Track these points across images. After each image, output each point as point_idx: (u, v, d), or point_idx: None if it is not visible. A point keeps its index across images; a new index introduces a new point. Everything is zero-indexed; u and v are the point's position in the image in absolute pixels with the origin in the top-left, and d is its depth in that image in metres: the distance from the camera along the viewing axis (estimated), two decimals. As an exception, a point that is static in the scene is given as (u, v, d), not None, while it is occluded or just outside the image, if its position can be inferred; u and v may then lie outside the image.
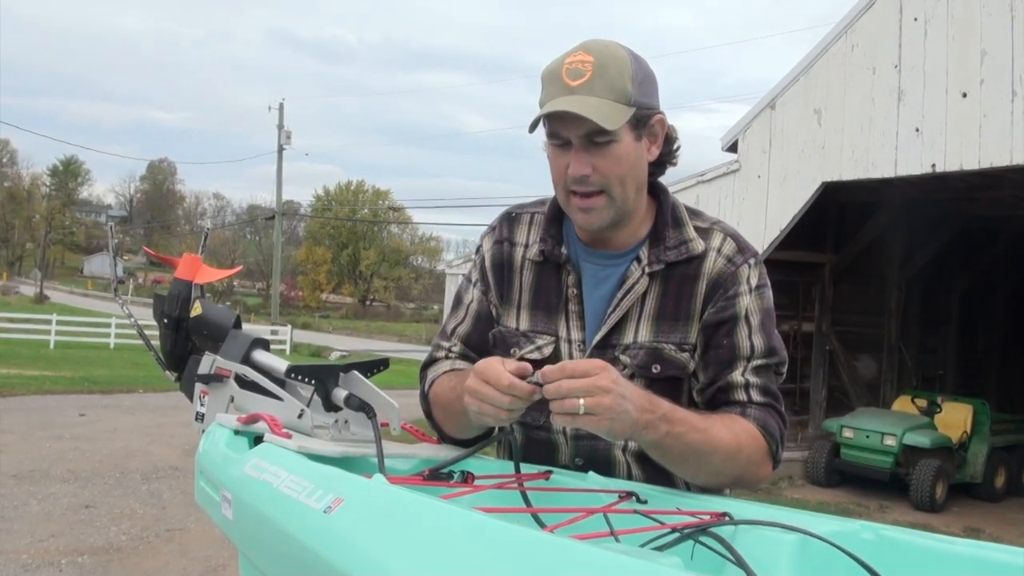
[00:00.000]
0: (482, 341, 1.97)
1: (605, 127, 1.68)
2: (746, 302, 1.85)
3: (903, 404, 12.56)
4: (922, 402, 12.16)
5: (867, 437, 11.47)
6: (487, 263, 2.01)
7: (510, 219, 2.02)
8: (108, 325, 31.01)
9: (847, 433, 11.74)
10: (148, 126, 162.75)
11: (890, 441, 11.20)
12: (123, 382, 18.93)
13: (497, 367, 1.56)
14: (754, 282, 1.87)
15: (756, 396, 1.82)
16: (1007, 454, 12.28)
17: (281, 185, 41.55)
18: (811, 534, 1.36)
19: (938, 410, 11.91)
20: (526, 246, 1.96)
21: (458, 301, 2.06)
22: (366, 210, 76.27)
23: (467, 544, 1.08)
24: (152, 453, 10.79)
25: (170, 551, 6.72)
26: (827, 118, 10.48)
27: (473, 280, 2.04)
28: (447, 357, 2.01)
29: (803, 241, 12.22)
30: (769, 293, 1.90)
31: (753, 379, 1.83)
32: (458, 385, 1.70)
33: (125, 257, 77.78)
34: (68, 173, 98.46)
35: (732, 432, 1.73)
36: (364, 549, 1.15)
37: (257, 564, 1.54)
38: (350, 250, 73.69)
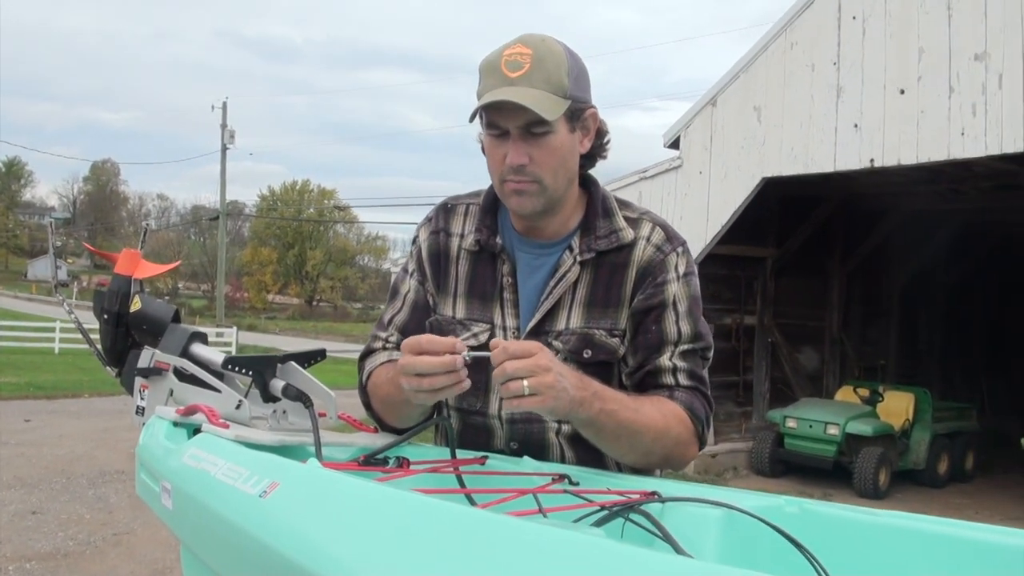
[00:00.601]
0: (419, 330, 1.98)
1: (544, 117, 1.73)
2: (674, 289, 1.91)
3: (845, 394, 12.78)
4: (864, 391, 12.37)
5: (810, 427, 11.64)
6: (424, 253, 2.05)
7: (446, 210, 2.06)
8: (53, 330, 30.50)
9: (790, 423, 11.91)
10: (92, 127, 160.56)
11: (833, 430, 11.37)
12: (68, 387, 18.66)
13: (425, 335, 1.61)
14: (682, 269, 1.93)
15: (683, 380, 1.90)
16: (949, 441, 12.49)
17: (225, 185, 41.08)
18: (736, 508, 1.41)
19: (880, 399, 12.12)
20: (462, 236, 2.00)
21: (395, 292, 2.09)
22: (312, 210, 75.72)
23: (399, 522, 1.11)
24: (98, 458, 10.67)
25: (118, 555, 6.67)
26: (767, 115, 10.63)
27: (410, 271, 2.07)
28: (384, 348, 2.04)
29: (745, 235, 12.37)
30: (696, 281, 1.97)
31: (680, 363, 1.90)
32: (396, 376, 1.72)
33: (69, 260, 76.59)
34: (10, 175, 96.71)
35: (661, 413, 1.80)
36: (300, 531, 1.18)
37: (197, 552, 1.57)
38: (296, 250, 73.03)
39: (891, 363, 15.98)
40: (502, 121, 1.78)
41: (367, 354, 2.06)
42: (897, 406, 12.18)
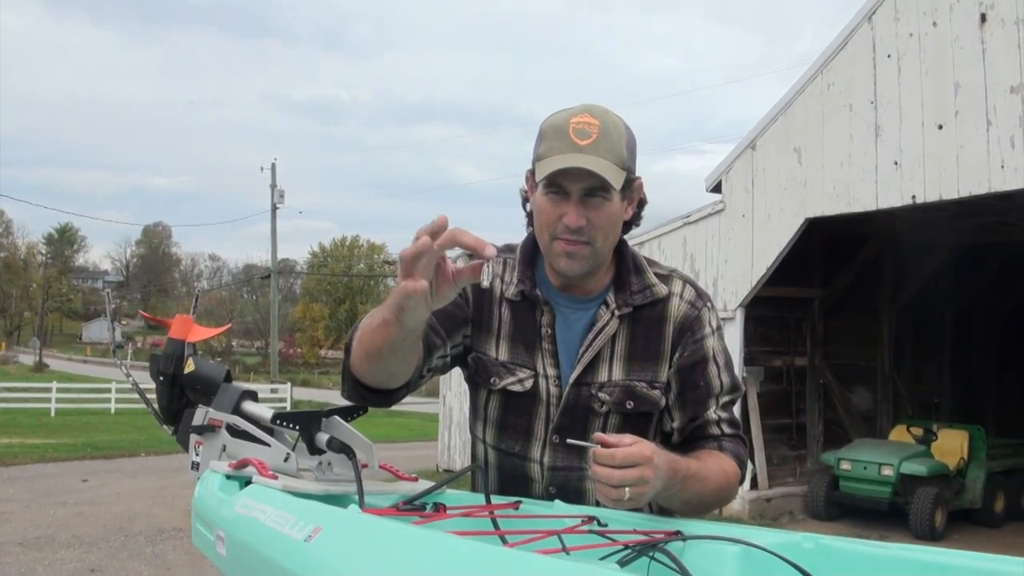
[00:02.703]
0: (449, 324, 2.00)
1: (612, 185, 1.85)
2: (712, 343, 2.05)
3: (899, 434, 12.63)
4: (918, 431, 12.22)
5: (864, 468, 11.53)
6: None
7: None
8: (108, 391, 31.05)
9: (845, 465, 11.80)
10: (143, 191, 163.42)
11: (887, 471, 11.27)
12: (125, 446, 18.97)
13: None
14: (715, 324, 2.07)
15: (727, 429, 2.05)
16: (1005, 478, 12.32)
17: (276, 243, 41.67)
18: (754, 545, 1.49)
19: (934, 438, 11.97)
20: (502, 281, 2.07)
21: None
22: (362, 264, 76.52)
23: (433, 561, 1.20)
24: (156, 515, 10.85)
25: (176, 610, 6.79)
26: (807, 155, 10.68)
27: None
28: None
29: (791, 277, 12.36)
30: (723, 333, 2.12)
31: (723, 414, 2.05)
32: (380, 311, 1.73)
33: (123, 321, 77.80)
34: (64, 240, 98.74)
35: (721, 469, 1.95)
36: (342, 571, 1.28)
37: (250, 596, 1.67)
38: (347, 305, 73.69)
39: (945, 401, 15.76)
40: (566, 184, 1.88)
41: None
42: (951, 444, 12.03)
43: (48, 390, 29.88)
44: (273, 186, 41.09)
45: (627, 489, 1.62)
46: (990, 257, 14.72)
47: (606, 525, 1.68)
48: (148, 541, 9.31)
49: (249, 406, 2.09)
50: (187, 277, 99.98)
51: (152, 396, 2.45)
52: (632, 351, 2.02)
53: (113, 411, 29.97)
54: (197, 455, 2.12)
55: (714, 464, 1.94)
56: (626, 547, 1.50)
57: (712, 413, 2.04)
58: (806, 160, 10.70)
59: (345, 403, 1.96)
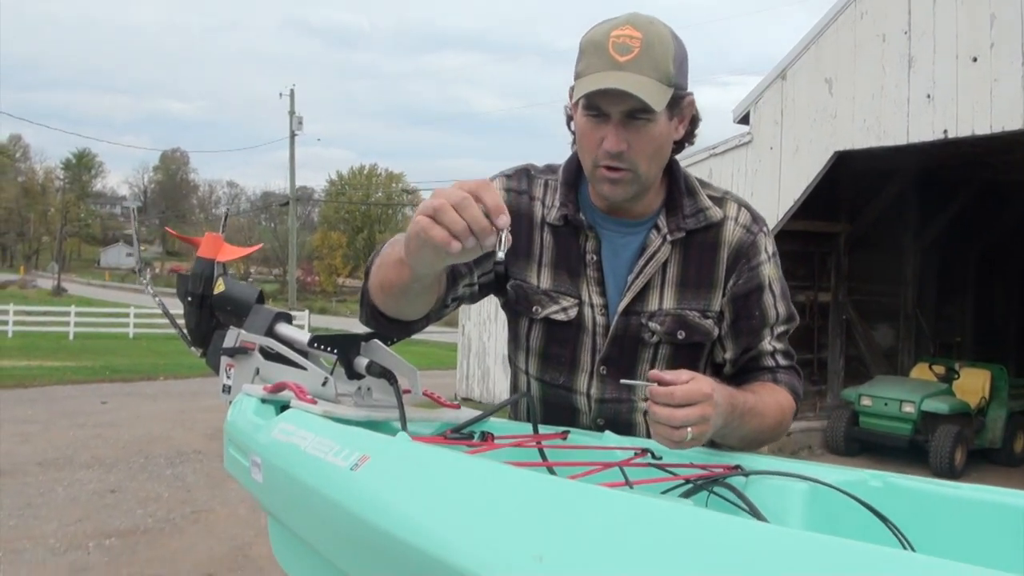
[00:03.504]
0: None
1: (653, 108, 1.69)
2: (767, 270, 1.92)
3: (921, 371, 12.56)
4: (940, 369, 12.14)
5: (885, 405, 11.47)
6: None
7: (528, 175, 1.98)
8: (127, 315, 31.28)
9: (865, 401, 11.74)
10: (160, 117, 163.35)
11: (908, 408, 11.20)
12: (144, 370, 19.09)
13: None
14: (771, 250, 1.94)
15: (782, 360, 1.95)
16: (1026, 418, 12.25)
17: (294, 171, 41.64)
18: (821, 482, 1.41)
19: (956, 376, 11.89)
20: (543, 204, 1.95)
21: None
22: (380, 193, 76.46)
23: (494, 493, 1.12)
24: (175, 438, 10.91)
25: (196, 531, 6.81)
26: (838, 87, 10.45)
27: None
28: None
29: (817, 211, 12.20)
30: (779, 260, 1.98)
31: (778, 345, 1.95)
32: (398, 247, 1.60)
33: (142, 247, 78.05)
34: (81, 166, 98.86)
35: (777, 403, 1.85)
36: (391, 502, 1.20)
37: (287, 524, 1.60)
38: (365, 234, 73.86)
39: (967, 339, 15.68)
40: (604, 105, 1.72)
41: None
42: (973, 383, 11.94)
43: (67, 314, 30.06)
44: (291, 113, 40.96)
45: (689, 429, 1.51)
46: (1017, 196, 14.51)
47: (660, 458, 1.60)
48: (168, 463, 9.35)
49: (283, 328, 2.01)
50: (205, 204, 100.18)
51: (179, 319, 2.38)
52: (684, 278, 1.90)
53: (132, 335, 30.19)
54: (228, 378, 2.05)
55: (770, 398, 1.84)
56: (687, 481, 1.43)
57: (767, 344, 1.93)
58: (837, 91, 10.47)
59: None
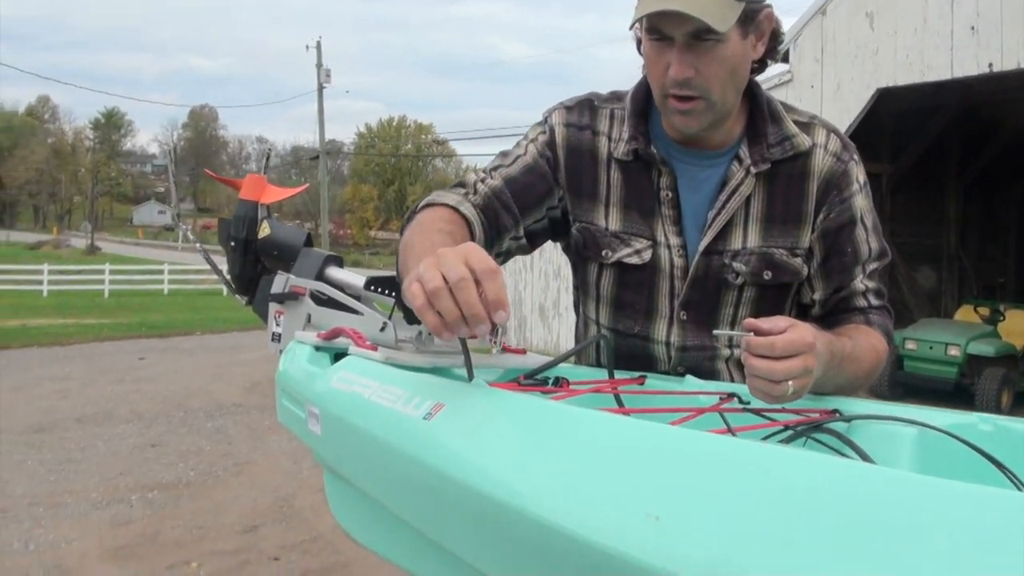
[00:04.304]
0: (525, 194, 1.76)
1: (716, 28, 1.51)
2: (859, 202, 1.76)
3: (965, 313, 12.34)
4: (985, 311, 11.92)
5: (930, 348, 11.26)
6: (560, 141, 1.79)
7: (591, 107, 1.81)
8: (161, 272, 31.48)
9: (910, 345, 11.53)
10: (188, 74, 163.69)
11: (954, 351, 10.99)
12: (180, 325, 19.18)
13: (471, 248, 1.21)
14: (862, 180, 1.77)
15: (874, 300, 1.78)
16: (1073, 360, 12.02)
17: (323, 123, 41.54)
18: (928, 426, 1.29)
19: (1001, 318, 11.68)
20: (609, 139, 1.78)
21: (505, 154, 1.83)
22: (409, 145, 76.36)
23: (591, 443, 1.00)
24: (214, 392, 10.90)
25: (239, 484, 6.78)
26: (879, 22, 10.17)
27: (537, 142, 1.80)
28: (467, 195, 1.73)
29: (859, 151, 11.94)
30: (870, 190, 1.81)
31: (870, 283, 1.78)
32: (438, 231, 1.51)
33: (172, 204, 78.59)
34: (110, 125, 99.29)
35: (873, 348, 1.69)
36: (471, 453, 1.08)
37: (349, 477, 1.49)
38: (396, 186, 73.92)
39: (1010, 280, 15.42)
40: (666, 28, 1.55)
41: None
42: (1019, 325, 11.69)
43: (101, 272, 30.24)
44: (319, 65, 40.73)
45: (790, 383, 1.34)
46: (1063, 132, 14.20)
47: (748, 403, 1.47)
48: (207, 416, 9.34)
49: (335, 272, 1.90)
50: (235, 160, 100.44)
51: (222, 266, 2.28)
52: (770, 213, 1.73)
53: (166, 292, 30.38)
54: (278, 326, 1.94)
55: (865, 341, 1.67)
56: (787, 427, 1.30)
57: (859, 283, 1.76)
58: (878, 26, 10.19)
59: None
